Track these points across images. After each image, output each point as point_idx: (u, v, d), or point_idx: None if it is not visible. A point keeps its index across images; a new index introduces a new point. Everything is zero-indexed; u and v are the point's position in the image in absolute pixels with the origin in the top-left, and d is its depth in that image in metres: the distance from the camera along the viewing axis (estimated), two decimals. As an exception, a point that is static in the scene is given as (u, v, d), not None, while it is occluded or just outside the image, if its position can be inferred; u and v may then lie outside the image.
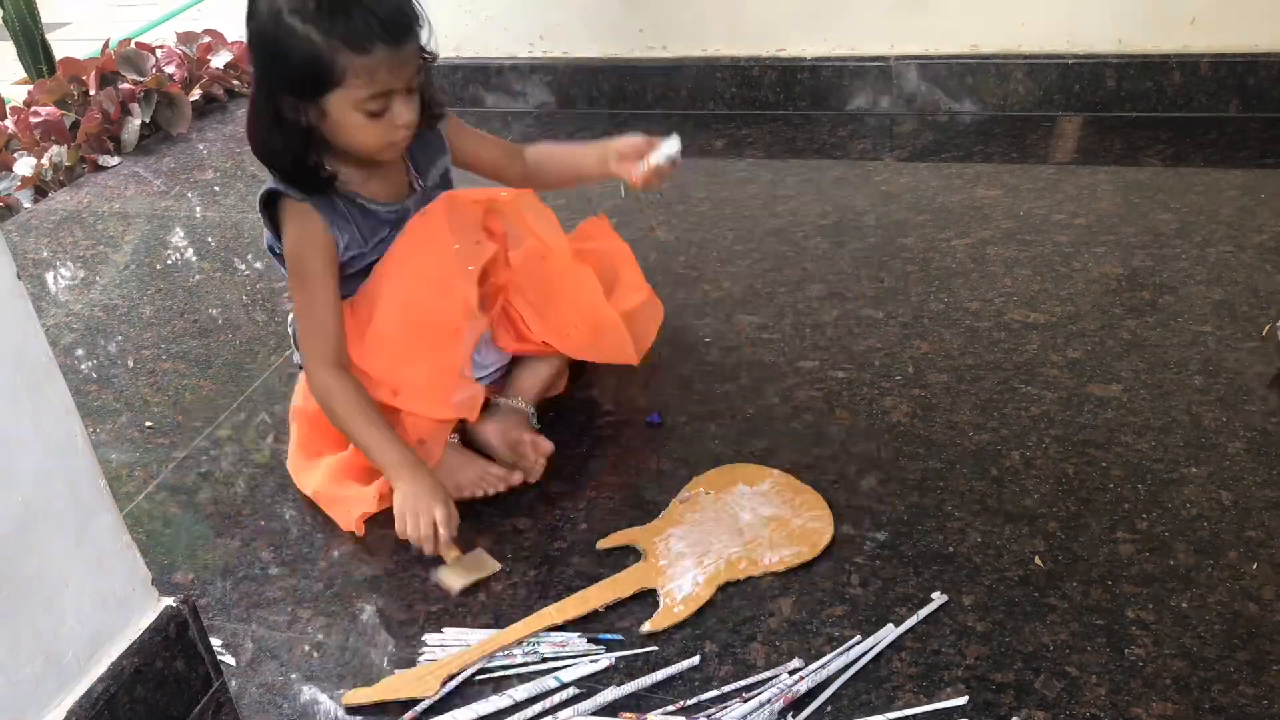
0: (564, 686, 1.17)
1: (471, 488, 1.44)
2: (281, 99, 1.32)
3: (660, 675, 1.17)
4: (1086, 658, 1.14)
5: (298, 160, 1.35)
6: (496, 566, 1.34)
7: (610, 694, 1.15)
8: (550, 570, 1.33)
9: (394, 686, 1.19)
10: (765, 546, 1.32)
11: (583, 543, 1.37)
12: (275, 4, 1.27)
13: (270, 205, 1.40)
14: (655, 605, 1.26)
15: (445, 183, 1.53)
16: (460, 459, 1.47)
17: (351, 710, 1.18)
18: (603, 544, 1.36)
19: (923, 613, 1.20)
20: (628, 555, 1.34)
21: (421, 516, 1.32)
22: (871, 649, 1.17)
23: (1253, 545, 1.26)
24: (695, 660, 1.18)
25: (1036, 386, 1.56)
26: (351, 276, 1.45)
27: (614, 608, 1.26)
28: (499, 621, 1.27)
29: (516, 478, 1.45)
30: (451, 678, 1.19)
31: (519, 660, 1.21)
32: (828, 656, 1.16)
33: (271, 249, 1.46)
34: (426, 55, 1.38)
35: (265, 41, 1.30)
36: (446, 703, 1.17)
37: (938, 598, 1.23)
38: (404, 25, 1.29)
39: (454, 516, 1.33)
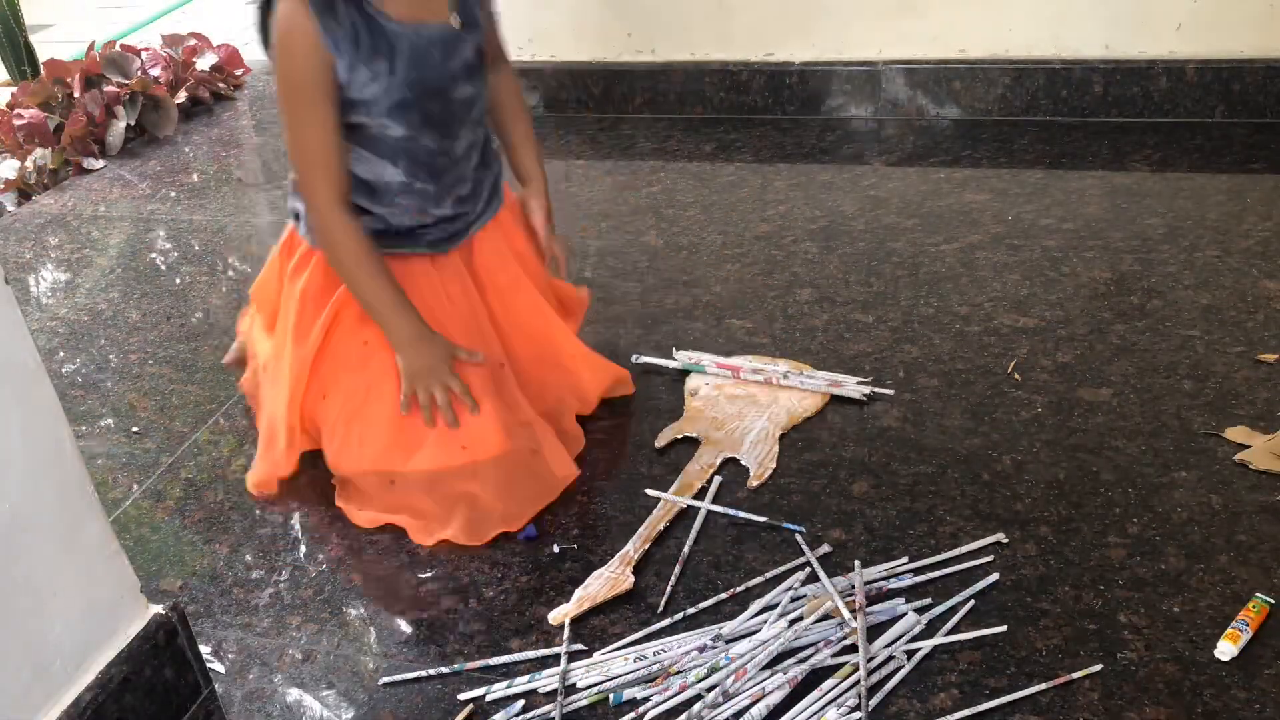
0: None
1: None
2: None
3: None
4: (1079, 662, 1.15)
5: None
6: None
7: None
8: (542, 575, 1.33)
9: (591, 596, 1.27)
10: (793, 401, 1.56)
11: (574, 549, 1.37)
12: None
13: (265, 10, 1.27)
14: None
15: (475, 25, 1.38)
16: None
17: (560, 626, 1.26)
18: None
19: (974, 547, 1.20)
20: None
21: (436, 390, 1.37)
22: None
23: (1243, 549, 1.26)
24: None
25: (1026, 391, 1.57)
26: (346, 104, 1.30)
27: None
28: (490, 628, 1.26)
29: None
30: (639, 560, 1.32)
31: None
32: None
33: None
34: None
35: None
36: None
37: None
38: None
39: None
